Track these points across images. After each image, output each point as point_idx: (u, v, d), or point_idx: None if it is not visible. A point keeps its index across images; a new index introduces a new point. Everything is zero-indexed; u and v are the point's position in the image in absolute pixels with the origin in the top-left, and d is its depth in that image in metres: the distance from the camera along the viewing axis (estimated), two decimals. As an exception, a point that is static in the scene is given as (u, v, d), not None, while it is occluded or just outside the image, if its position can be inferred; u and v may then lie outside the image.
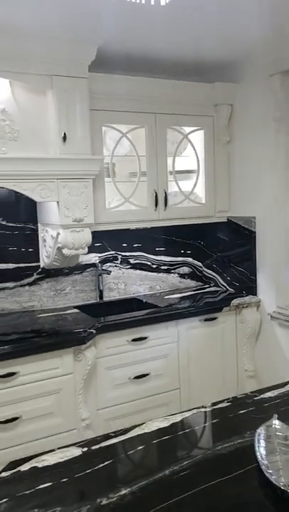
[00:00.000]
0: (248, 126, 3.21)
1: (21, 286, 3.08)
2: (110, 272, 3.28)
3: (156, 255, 3.54)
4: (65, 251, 2.76)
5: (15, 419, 2.37)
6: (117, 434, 1.42)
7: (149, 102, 3.01)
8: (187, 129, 3.23)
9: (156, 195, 3.10)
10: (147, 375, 2.84)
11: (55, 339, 2.50)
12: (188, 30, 2.55)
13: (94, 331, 2.60)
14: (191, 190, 3.27)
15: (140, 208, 3.09)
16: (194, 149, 3.25)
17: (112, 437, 1.40)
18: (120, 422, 2.76)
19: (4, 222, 2.99)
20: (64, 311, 3.05)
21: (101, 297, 3.30)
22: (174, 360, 2.94)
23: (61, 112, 2.61)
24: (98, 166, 2.76)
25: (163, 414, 2.84)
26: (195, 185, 3.27)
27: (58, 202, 2.68)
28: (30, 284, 3.11)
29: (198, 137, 3.27)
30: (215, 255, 3.59)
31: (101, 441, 1.38)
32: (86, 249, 2.85)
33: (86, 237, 2.79)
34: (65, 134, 2.62)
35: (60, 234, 2.75)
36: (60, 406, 2.49)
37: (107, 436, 1.41)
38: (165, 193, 3.13)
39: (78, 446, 1.36)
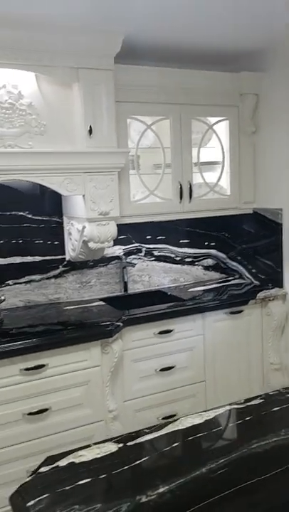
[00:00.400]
0: (274, 116, 3.15)
1: (47, 278, 3.11)
2: (135, 264, 3.29)
3: (180, 247, 3.52)
4: (90, 244, 2.77)
5: (45, 410, 2.41)
6: (151, 430, 1.43)
7: (175, 93, 2.98)
8: (212, 120, 3.19)
9: (180, 187, 3.08)
10: (173, 367, 2.85)
11: (83, 332, 2.52)
12: (215, 18, 2.50)
13: (121, 324, 2.62)
14: (216, 182, 3.24)
15: (165, 200, 3.07)
16: (219, 140, 3.21)
17: (146, 433, 1.41)
18: (146, 413, 2.79)
19: (30, 216, 3.01)
20: (89, 303, 3.07)
21: (126, 289, 3.31)
22: (199, 353, 2.94)
23: (87, 104, 2.60)
24: (124, 159, 2.75)
25: (188, 407, 2.89)
26: (220, 177, 3.24)
27: (83, 195, 2.68)
28: (56, 277, 3.13)
29: (223, 128, 3.23)
30: (240, 247, 3.56)
31: (136, 438, 1.39)
32: (112, 243, 2.85)
33: (112, 230, 2.80)
34: (90, 127, 2.61)
35: (86, 227, 2.76)
36: (88, 397, 2.53)
37: (141, 433, 1.42)
38: (190, 184, 3.11)
39: (114, 442, 1.37)
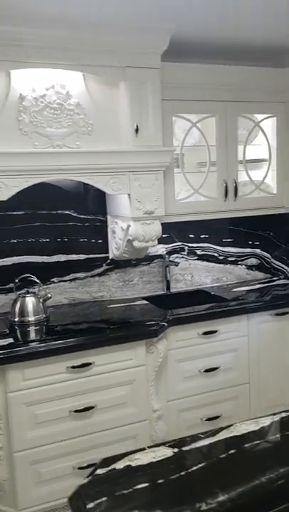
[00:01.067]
0: None
1: (91, 276, 3.13)
2: (178, 263, 3.27)
3: (223, 246, 3.48)
4: (135, 243, 2.77)
5: (90, 408, 2.43)
6: (206, 435, 1.41)
7: (221, 90, 2.93)
8: (259, 117, 3.12)
9: (226, 186, 3.04)
10: (217, 368, 2.82)
11: (129, 331, 2.53)
12: (260, 14, 2.44)
13: (165, 324, 2.61)
14: (262, 180, 3.18)
15: (209, 198, 3.04)
16: (266, 137, 3.14)
17: (201, 439, 1.40)
18: (190, 414, 2.78)
19: (75, 214, 3.04)
20: (132, 302, 3.07)
21: (168, 288, 3.30)
22: (244, 355, 2.90)
23: (133, 103, 2.60)
24: (169, 158, 2.73)
25: (232, 408, 2.86)
26: (266, 175, 3.17)
27: (129, 194, 2.68)
28: (99, 275, 3.15)
29: (269, 125, 3.15)
30: (284, 246, 3.48)
31: (191, 442, 1.38)
32: (156, 242, 2.84)
33: (156, 229, 2.79)
34: (137, 126, 2.60)
35: (130, 226, 2.76)
36: (133, 397, 2.53)
37: (196, 437, 1.40)
38: (235, 183, 3.06)
39: (169, 447, 1.37)
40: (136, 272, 3.26)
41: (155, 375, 2.61)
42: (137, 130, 2.61)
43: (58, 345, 2.35)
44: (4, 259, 2.90)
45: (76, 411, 2.40)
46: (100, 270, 3.16)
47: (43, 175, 2.47)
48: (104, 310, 2.93)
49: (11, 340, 2.38)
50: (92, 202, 3.07)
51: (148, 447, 1.37)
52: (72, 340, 2.39)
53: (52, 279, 3.03)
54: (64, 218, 3.01)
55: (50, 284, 3.02)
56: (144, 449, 1.36)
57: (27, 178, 2.43)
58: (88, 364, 2.41)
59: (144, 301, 3.06)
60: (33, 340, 2.42)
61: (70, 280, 3.08)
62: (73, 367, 2.37)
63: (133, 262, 3.22)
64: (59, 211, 3.00)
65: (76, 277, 3.09)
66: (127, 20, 2.42)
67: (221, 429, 1.45)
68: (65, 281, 3.07)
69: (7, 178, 2.39)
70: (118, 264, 3.18)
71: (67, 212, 3.02)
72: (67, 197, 2.99)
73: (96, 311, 2.92)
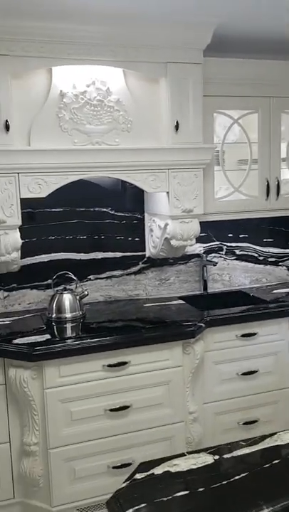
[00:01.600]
0: None
1: (127, 274, 3.11)
2: (216, 263, 3.20)
3: (264, 246, 3.38)
4: (173, 242, 2.73)
5: (126, 407, 2.41)
6: (248, 443, 1.36)
7: (264, 85, 2.84)
8: (303, 112, 3.01)
9: (267, 184, 2.95)
10: (256, 372, 2.74)
11: (166, 331, 2.49)
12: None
13: (203, 325, 2.55)
14: (306, 178, 3.07)
15: (250, 197, 2.96)
16: (310, 134, 3.03)
17: (243, 446, 1.35)
18: (227, 417, 2.72)
19: (112, 212, 3.03)
20: (168, 301, 3.03)
21: (205, 288, 3.24)
22: (284, 358, 2.81)
23: (174, 100, 2.55)
24: (210, 155, 2.67)
25: (270, 413, 2.77)
26: (310, 173, 3.06)
27: (167, 192, 2.64)
28: (135, 273, 3.13)
29: (314, 121, 3.04)
30: None
31: (232, 450, 1.33)
32: (194, 241, 2.79)
33: (195, 228, 2.73)
34: (177, 122, 2.56)
35: (168, 225, 2.72)
36: (169, 397, 2.49)
37: (237, 445, 1.35)
38: (277, 181, 2.97)
39: (209, 453, 1.32)
40: (173, 271, 3.21)
41: (191, 376, 2.56)
42: (177, 127, 2.56)
43: (94, 343, 2.34)
44: (42, 256, 2.91)
45: (111, 410, 2.39)
46: (136, 268, 3.13)
47: (82, 172, 2.47)
48: (140, 309, 2.91)
49: (48, 336, 2.39)
50: (129, 199, 3.04)
51: (187, 453, 1.32)
52: (108, 338, 2.38)
53: (88, 277, 3.03)
54: (101, 216, 3.00)
55: (86, 281, 3.02)
56: (183, 454, 1.32)
57: (66, 175, 2.43)
58: (124, 363, 2.38)
59: (181, 301, 3.02)
60: (70, 338, 2.42)
61: (106, 278, 3.07)
62: (109, 365, 2.36)
63: (170, 260, 3.17)
64: (96, 208, 2.99)
65: (112, 275, 3.08)
66: (170, 14, 2.37)
67: (264, 437, 1.39)
68: (101, 278, 3.06)
69: (47, 175, 2.40)
70: (154, 263, 3.15)
71: (104, 209, 3.01)
72: (105, 194, 2.97)
73: (132, 310, 2.89)
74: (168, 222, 2.72)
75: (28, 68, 2.32)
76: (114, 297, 3.09)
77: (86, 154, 2.44)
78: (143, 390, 2.44)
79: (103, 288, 3.07)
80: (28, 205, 2.81)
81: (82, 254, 3.00)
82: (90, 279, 3.03)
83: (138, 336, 2.43)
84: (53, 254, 2.93)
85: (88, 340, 2.36)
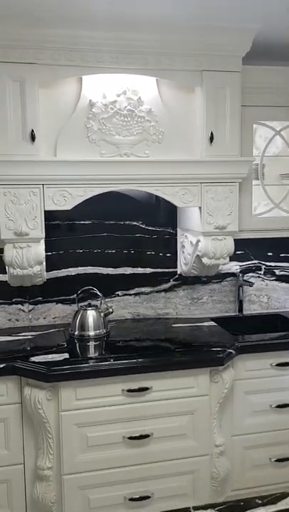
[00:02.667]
0: None
1: (157, 292, 2.97)
2: (253, 283, 2.99)
3: (306, 267, 3.14)
4: (204, 260, 2.56)
5: (146, 436, 2.25)
6: (264, 502, 1.17)
7: (309, 95, 2.64)
8: None
9: (311, 200, 2.72)
10: (291, 405, 2.51)
11: (191, 357, 2.32)
12: None
13: (233, 352, 2.36)
14: None
15: (291, 214, 2.74)
16: None
17: (259, 505, 1.16)
18: (257, 452, 2.51)
19: (143, 226, 2.90)
20: (200, 322, 2.85)
21: (240, 310, 3.03)
22: None
23: (209, 110, 2.40)
24: (246, 169, 2.49)
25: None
26: None
27: (200, 207, 2.48)
28: (166, 291, 2.98)
29: None
30: None
31: (246, 509, 1.15)
32: (227, 259, 2.61)
33: (228, 246, 2.55)
34: (212, 133, 2.40)
35: (200, 241, 2.55)
36: (194, 428, 2.31)
37: (252, 502, 1.17)
38: None
39: (217, 510, 1.14)
40: (206, 290, 3.04)
41: (219, 406, 2.36)
42: (211, 138, 2.41)
43: (114, 366, 2.21)
44: (69, 270, 2.83)
45: (130, 438, 2.24)
46: (167, 286, 2.98)
47: (109, 184, 2.36)
48: (168, 329, 2.75)
49: (66, 355, 2.28)
50: (162, 214, 2.91)
51: (193, 508, 1.15)
52: (129, 362, 2.23)
53: (116, 292, 2.91)
54: (131, 229, 2.89)
55: (114, 297, 2.90)
56: (188, 510, 1.15)
57: (92, 187, 2.33)
58: (146, 389, 2.23)
59: (213, 323, 2.83)
60: (89, 358, 2.30)
61: (135, 294, 2.94)
62: (129, 390, 2.21)
63: (203, 279, 3.00)
64: (127, 222, 2.88)
65: (141, 292, 2.94)
66: (207, 20, 2.24)
67: (286, 494, 1.20)
68: (130, 295, 2.93)
69: (72, 187, 2.31)
70: (186, 281, 2.99)
71: (135, 223, 2.89)
72: (136, 207, 2.85)
73: (160, 329, 2.74)
74: (200, 238, 2.56)
75: (57, 77, 2.25)
76: (142, 315, 2.95)
77: (113, 166, 2.33)
78: (165, 418, 2.28)
79: (131, 305, 2.94)
80: (56, 217, 2.75)
81: (110, 268, 2.89)
82: (117, 295, 2.91)
83: (161, 360, 2.27)
84: (80, 268, 2.84)
85: (107, 362, 2.23)
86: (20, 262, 2.31)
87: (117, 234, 2.87)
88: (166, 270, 2.97)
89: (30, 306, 2.81)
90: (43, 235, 2.33)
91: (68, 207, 2.34)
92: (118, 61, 2.27)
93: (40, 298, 2.81)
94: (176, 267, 2.96)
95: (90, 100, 2.32)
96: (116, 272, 2.90)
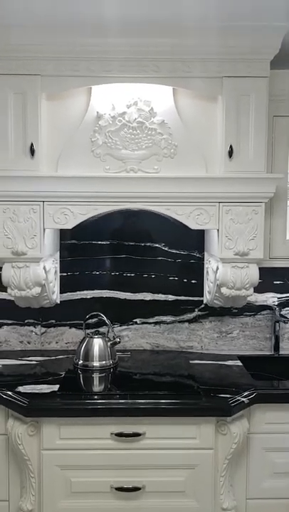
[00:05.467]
0: None
1: (180, 322, 2.69)
2: (289, 319, 2.60)
3: None
4: (223, 290, 2.25)
5: (137, 489, 1.97)
6: None
7: None
8: None
9: None
10: None
11: (194, 402, 2.00)
12: None
13: (245, 401, 2.00)
14: None
15: None
16: None
17: None
18: (277, 523, 2.10)
19: (166, 249, 2.65)
20: (222, 360, 2.51)
21: (276, 349, 2.64)
22: None
23: (230, 120, 2.12)
24: (274, 187, 2.16)
25: None
26: None
27: (217, 230, 2.19)
28: (190, 321, 2.69)
29: None
30: None
31: None
32: (251, 290, 2.27)
33: (251, 275, 2.22)
34: (231, 147, 2.11)
35: (219, 268, 2.25)
36: (195, 486, 1.99)
37: None
38: None
39: None
40: (236, 323, 2.70)
41: (228, 463, 2.01)
42: (230, 152, 2.12)
43: (101, 406, 1.97)
44: (84, 292, 2.66)
45: (119, 489, 1.97)
46: (191, 316, 2.69)
47: (114, 202, 2.16)
48: (185, 365, 2.44)
49: (55, 387, 2.08)
50: (187, 235, 2.62)
51: None
52: (119, 402, 1.98)
53: (134, 320, 2.68)
54: (153, 252, 2.65)
55: (131, 324, 2.68)
56: None
57: (96, 205, 2.15)
58: (137, 434, 1.96)
59: (237, 362, 2.48)
60: (78, 394, 2.08)
61: (155, 323, 2.68)
62: (119, 434, 1.96)
63: (233, 310, 2.67)
64: (148, 243, 2.65)
65: (162, 321, 2.68)
66: (227, 20, 1.98)
67: None
68: (149, 323, 2.69)
69: (73, 205, 2.15)
70: (214, 311, 2.67)
71: (157, 245, 2.65)
72: (159, 227, 2.61)
73: (176, 365, 2.46)
74: (219, 265, 2.26)
75: (61, 89, 2.12)
76: (162, 346, 2.69)
77: (118, 182, 2.13)
78: (160, 470, 1.99)
79: (151, 334, 2.69)
80: (72, 237, 2.61)
81: (128, 293, 2.67)
82: (135, 323, 2.68)
83: (156, 403, 1.98)
84: (96, 291, 2.66)
85: (94, 400, 2.00)
86: (18, 282, 2.18)
87: (136, 256, 2.65)
88: (191, 298, 2.69)
89: (43, 329, 2.67)
90: (42, 255, 2.19)
91: (69, 226, 2.17)
92: (127, 69, 2.09)
93: (53, 321, 2.67)
94: (202, 296, 2.66)
95: (98, 112, 2.16)
96: (135, 297, 2.67)
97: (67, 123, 2.18)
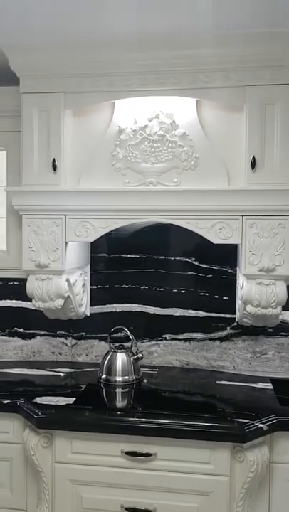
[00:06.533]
0: None
1: (211, 339, 2.59)
2: None
3: None
4: (248, 308, 2.14)
5: (148, 511, 1.90)
6: None
7: None
8: None
9: None
10: None
11: (207, 425, 1.89)
12: None
13: (264, 427, 1.87)
14: None
15: None
16: None
17: None
18: None
19: (197, 263, 2.58)
20: (253, 382, 2.38)
21: (314, 372, 2.46)
22: None
23: (253, 130, 2.03)
24: (302, 199, 2.02)
25: None
26: None
27: (240, 244, 2.09)
28: (221, 339, 2.58)
29: None
30: None
31: None
32: (279, 309, 2.13)
33: (278, 293, 2.09)
34: (254, 158, 2.02)
35: (244, 285, 2.15)
36: (208, 514, 1.88)
37: None
38: None
39: None
40: (272, 344, 2.55)
41: (245, 493, 1.89)
42: (253, 164, 2.02)
43: (112, 422, 1.94)
44: (114, 305, 2.66)
45: (129, 509, 1.92)
46: (223, 334, 2.58)
47: (133, 216, 2.15)
48: (211, 385, 2.34)
49: (71, 400, 2.09)
50: (219, 250, 2.53)
51: None
52: (129, 419, 1.94)
53: (163, 335, 2.63)
54: (182, 267, 2.59)
55: (161, 340, 2.63)
56: None
57: (115, 219, 2.15)
58: (148, 454, 1.90)
59: (268, 385, 2.33)
60: (91, 409, 2.06)
61: (185, 340, 2.61)
62: (129, 453, 1.91)
63: (268, 329, 2.53)
64: (177, 258, 2.60)
65: (192, 337, 2.61)
66: (247, 27, 1.91)
67: None
68: (179, 340, 2.62)
69: (94, 219, 2.16)
70: (247, 330, 2.55)
71: (187, 259, 2.59)
72: (189, 241, 2.54)
73: (203, 384, 2.37)
74: (244, 281, 2.15)
75: (84, 104, 2.16)
76: (192, 364, 2.61)
77: (138, 196, 2.12)
78: (173, 494, 1.91)
79: (180, 351, 2.62)
80: (102, 250, 2.63)
81: (157, 308, 2.63)
82: (164, 339, 2.63)
83: (168, 423, 1.91)
84: (125, 305, 2.65)
85: (106, 416, 1.97)
86: (41, 294, 2.23)
87: (166, 270, 2.61)
88: (223, 316, 2.58)
89: (74, 341, 2.71)
90: (64, 268, 2.22)
91: (90, 239, 2.19)
92: (146, 83, 2.08)
93: (84, 333, 2.69)
94: (234, 313, 2.55)
95: (119, 126, 2.17)
96: (164, 312, 2.63)
97: (91, 138, 2.21)
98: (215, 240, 2.11)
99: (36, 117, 2.16)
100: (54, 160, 2.14)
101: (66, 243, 2.20)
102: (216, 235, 2.09)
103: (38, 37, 2.01)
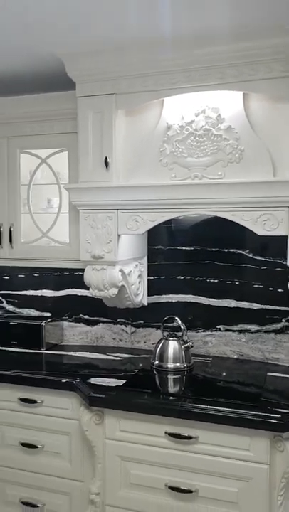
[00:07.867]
0: None
1: (265, 332, 2.59)
2: None
3: None
4: (295, 301, 2.12)
5: (189, 491, 2.00)
6: None
7: None
8: None
9: None
10: None
11: (245, 412, 1.93)
12: None
13: (304, 419, 1.87)
14: None
15: None
16: None
17: None
18: None
19: (250, 255, 2.60)
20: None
21: None
22: None
23: (299, 120, 2.01)
24: None
25: None
26: None
27: (287, 236, 2.08)
28: (276, 332, 2.57)
29: None
30: None
31: None
32: None
33: None
34: (299, 148, 2.00)
35: (291, 278, 2.13)
36: (248, 499, 1.93)
37: None
38: None
39: None
40: None
41: (286, 482, 1.90)
42: (298, 153, 2.00)
43: (157, 405, 2.05)
44: (169, 296, 2.76)
45: (172, 488, 2.02)
46: (278, 326, 2.57)
47: (180, 209, 2.23)
48: (262, 377, 2.35)
49: (121, 382, 2.23)
50: (273, 242, 2.52)
51: None
52: (174, 403, 2.03)
53: (218, 326, 2.68)
54: (237, 259, 2.62)
55: (215, 330, 2.68)
56: None
57: (163, 212, 2.25)
58: (189, 437, 1.99)
59: None
60: (139, 391, 2.18)
61: (239, 331, 2.64)
62: (171, 435, 2.01)
63: None
64: (231, 250, 2.63)
65: (246, 329, 2.63)
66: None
67: None
68: (233, 331, 2.65)
69: (143, 212, 2.28)
70: (303, 323, 2.51)
71: (241, 251, 2.61)
72: (243, 234, 2.55)
73: (255, 376, 2.38)
74: (291, 274, 2.14)
75: (133, 104, 2.27)
76: (247, 356, 2.63)
77: (183, 190, 2.19)
78: (213, 477, 1.97)
79: (234, 343, 2.66)
80: (158, 242, 2.74)
81: (212, 299, 2.68)
82: (219, 330, 2.68)
83: (207, 409, 1.98)
84: (180, 296, 2.74)
85: (153, 399, 2.09)
86: (96, 283, 2.40)
87: (220, 262, 2.66)
88: (278, 308, 2.57)
89: (133, 329, 2.85)
90: (117, 259, 2.36)
91: (140, 232, 2.31)
92: (192, 79, 2.14)
93: (142, 321, 2.83)
94: (289, 306, 2.53)
95: (167, 123, 2.25)
96: (218, 303, 2.68)
97: (141, 135, 2.32)
98: (260, 232, 2.12)
99: (90, 118, 2.32)
100: (106, 158, 2.29)
101: (119, 236, 2.34)
102: (262, 226, 2.10)
103: (92, 44, 2.15)
